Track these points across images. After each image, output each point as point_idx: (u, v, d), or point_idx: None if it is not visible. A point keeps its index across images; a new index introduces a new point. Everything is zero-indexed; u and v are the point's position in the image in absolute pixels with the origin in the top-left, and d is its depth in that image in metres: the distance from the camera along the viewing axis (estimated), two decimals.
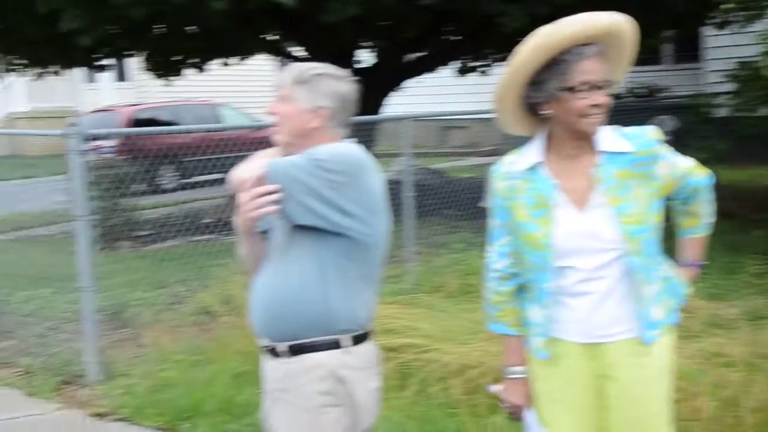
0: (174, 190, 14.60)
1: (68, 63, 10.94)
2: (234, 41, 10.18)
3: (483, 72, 12.18)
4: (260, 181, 2.30)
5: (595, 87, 2.22)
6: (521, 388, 2.48)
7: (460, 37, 10.83)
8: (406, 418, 4.17)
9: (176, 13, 7.98)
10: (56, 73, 11.21)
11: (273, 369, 2.47)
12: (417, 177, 7.83)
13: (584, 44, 2.22)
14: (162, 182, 14.45)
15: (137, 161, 10.23)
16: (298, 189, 2.28)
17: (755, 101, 8.20)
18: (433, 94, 15.18)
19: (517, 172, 2.37)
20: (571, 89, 2.21)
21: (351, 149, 2.39)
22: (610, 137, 2.31)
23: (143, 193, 10.90)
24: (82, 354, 5.35)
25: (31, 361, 5.64)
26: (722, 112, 9.57)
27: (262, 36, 10.49)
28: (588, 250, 2.27)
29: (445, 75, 12.72)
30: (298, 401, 2.39)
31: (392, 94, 11.17)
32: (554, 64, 2.22)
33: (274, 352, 2.44)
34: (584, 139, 2.30)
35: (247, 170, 2.37)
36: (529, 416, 2.48)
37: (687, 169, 2.43)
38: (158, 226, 10.45)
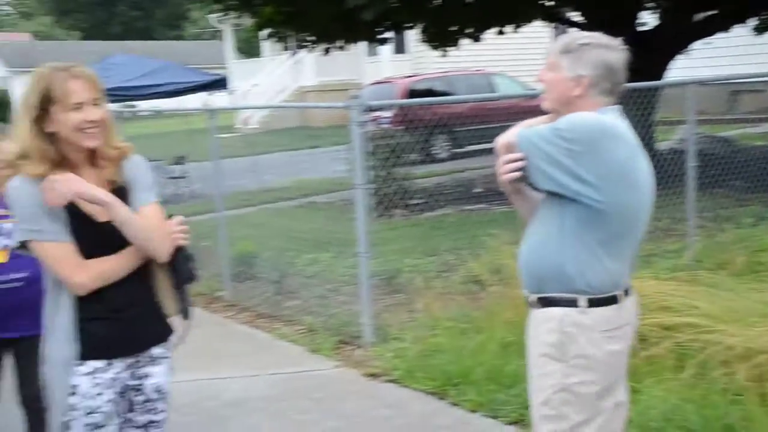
0: (445, 159, 14.90)
1: (352, 38, 11.51)
2: (511, 9, 10.07)
3: None
4: (510, 147, 2.49)
5: None
6: None
7: None
8: (683, 401, 3.90)
9: None
10: (341, 48, 11.83)
11: (530, 318, 2.64)
12: (701, 146, 7.28)
13: None
14: (435, 151, 14.80)
15: (412, 131, 10.53)
16: (539, 156, 2.42)
17: None
18: (721, 56, 14.03)
19: None
20: None
21: (593, 118, 2.42)
22: None
23: (416, 163, 11.23)
24: (359, 316, 5.62)
25: (312, 320, 6.03)
26: None
27: (540, 2, 10.27)
28: None
29: (736, 35, 11.65)
30: (532, 349, 2.58)
31: (678, 57, 10.45)
32: None
33: (529, 303, 2.61)
34: None
35: (505, 137, 2.53)
36: None
37: None
38: (430, 194, 10.74)
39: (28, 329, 3.37)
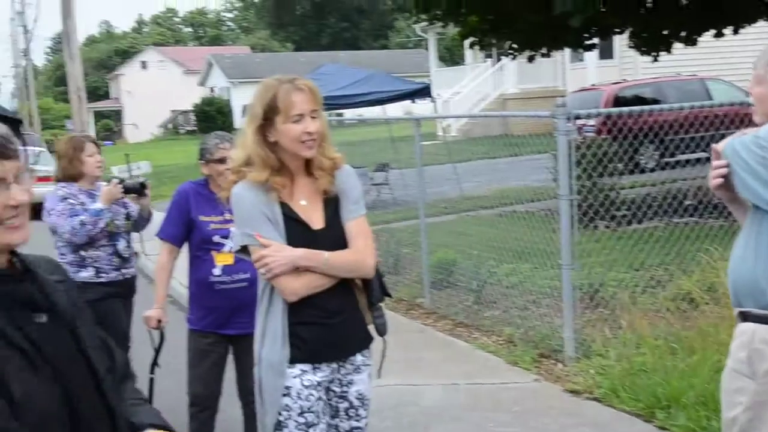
0: (653, 169, 14.23)
1: (558, 44, 11.32)
2: (734, 9, 9.46)
3: None
4: (718, 154, 2.48)
5: None
6: None
7: None
8: None
9: None
10: (546, 55, 11.66)
11: None
12: None
13: None
14: (641, 161, 14.18)
15: (618, 140, 10.15)
16: (738, 164, 2.40)
17: None
18: None
19: None
20: None
21: None
22: None
23: (622, 173, 10.80)
24: (560, 330, 5.48)
25: (512, 331, 5.95)
26: None
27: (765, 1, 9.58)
28: None
29: None
30: (728, 363, 2.53)
31: None
32: None
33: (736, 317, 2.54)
34: None
35: (718, 144, 2.48)
36: None
37: None
38: (636, 206, 10.29)
39: (249, 327, 3.58)
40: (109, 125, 54.61)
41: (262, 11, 67.04)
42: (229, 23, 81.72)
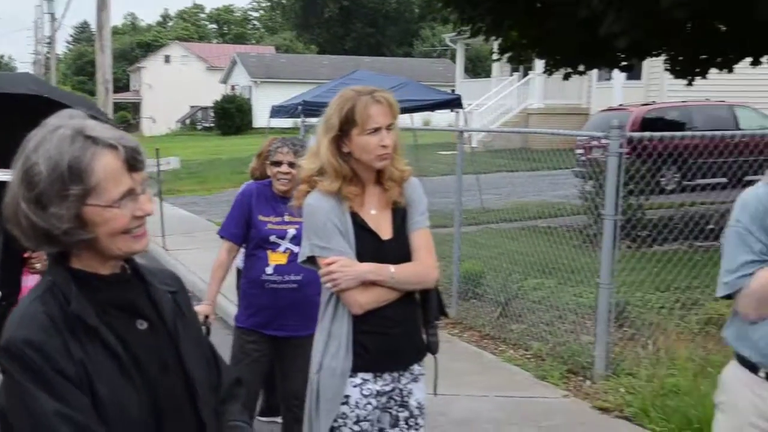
0: (673, 191, 14.23)
1: (596, 63, 11.36)
2: None
3: None
4: None
5: None
6: None
7: None
8: None
9: (719, 11, 7.79)
10: (582, 73, 11.72)
11: None
12: None
13: None
14: (663, 182, 14.19)
15: (644, 162, 10.17)
16: None
17: None
18: None
19: None
20: None
21: None
22: None
23: (647, 194, 10.82)
24: (589, 347, 5.53)
25: (540, 346, 6.01)
26: None
27: None
28: None
29: None
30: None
31: None
32: None
33: None
34: None
35: None
36: None
37: None
38: (663, 227, 10.32)
39: (296, 330, 3.64)
40: (126, 117, 54.78)
41: (290, 12, 67.31)
42: (255, 22, 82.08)
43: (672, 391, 4.81)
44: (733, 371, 2.49)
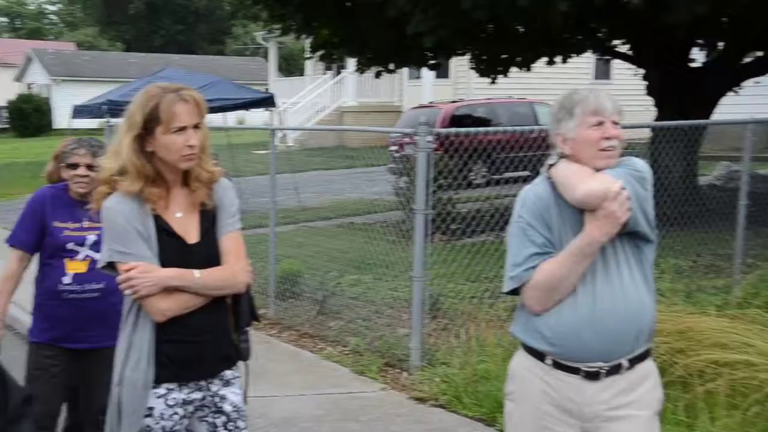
0: (482, 185, 14.87)
1: (405, 62, 11.69)
2: (565, 39, 10.18)
3: None
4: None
5: None
6: None
7: None
8: None
9: (516, 14, 8.22)
10: (392, 71, 12.01)
11: (604, 388, 2.45)
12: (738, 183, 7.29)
13: None
14: (472, 177, 14.78)
15: (452, 157, 10.55)
16: (634, 198, 2.39)
17: None
18: (764, 94, 13.93)
19: None
20: None
21: None
22: None
23: (455, 188, 11.24)
24: (405, 339, 5.65)
25: (358, 341, 6.07)
26: None
27: (598, 34, 10.36)
28: None
29: None
30: (643, 412, 2.45)
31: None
32: None
33: (612, 371, 2.45)
34: None
35: (607, 182, 2.36)
36: None
37: None
38: (471, 219, 10.75)
39: (100, 341, 3.44)
40: None
41: (91, 6, 64.10)
42: (52, 16, 77.54)
43: (483, 376, 5.00)
44: (520, 361, 2.57)
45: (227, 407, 2.65)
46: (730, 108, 11.33)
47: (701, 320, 4.68)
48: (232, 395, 2.67)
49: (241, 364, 2.74)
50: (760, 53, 10.35)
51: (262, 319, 7.01)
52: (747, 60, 10.43)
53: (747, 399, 4.06)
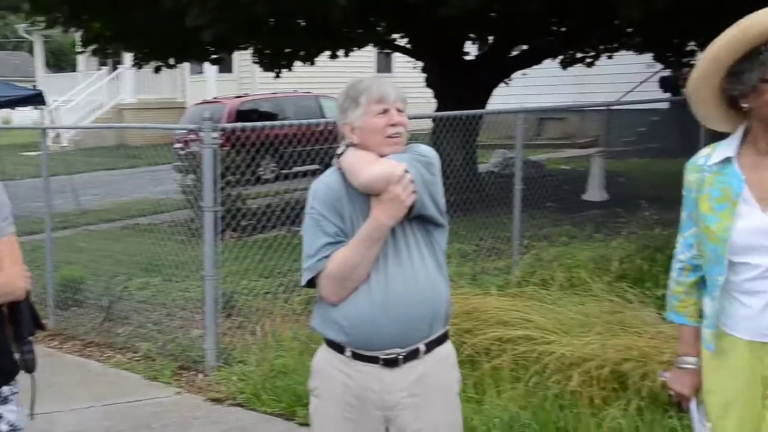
0: (271, 180, 14.82)
1: (185, 56, 11.33)
2: (346, 33, 10.33)
3: (589, 64, 11.94)
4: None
5: None
6: (690, 379, 2.45)
7: (566, 29, 10.67)
8: (522, 409, 4.13)
9: (297, 8, 8.21)
10: (173, 66, 11.59)
11: (403, 375, 2.47)
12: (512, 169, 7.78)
13: None
14: (261, 172, 14.68)
15: (239, 152, 10.41)
16: (420, 182, 2.40)
17: None
18: (531, 85, 14.97)
19: (708, 165, 2.35)
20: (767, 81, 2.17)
21: None
22: None
23: (244, 184, 11.11)
24: (199, 341, 5.50)
25: (149, 346, 5.83)
26: None
27: (377, 28, 10.60)
28: (765, 249, 2.21)
29: (545, 67, 12.53)
30: (443, 394, 2.53)
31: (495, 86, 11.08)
32: (754, 55, 2.17)
33: (410, 356, 2.46)
34: None
35: (391, 166, 2.39)
36: (694, 408, 2.45)
37: None
38: (262, 215, 10.67)
39: None
40: None
41: None
42: None
43: (281, 372, 4.96)
44: (323, 355, 2.57)
45: (3, 427, 2.45)
46: (503, 99, 12.08)
47: (486, 300, 4.93)
48: (9, 413, 2.47)
49: (25, 377, 2.53)
50: (525, 46, 11.08)
51: (39, 330, 6.58)
52: (515, 53, 11.14)
53: (528, 371, 4.32)
